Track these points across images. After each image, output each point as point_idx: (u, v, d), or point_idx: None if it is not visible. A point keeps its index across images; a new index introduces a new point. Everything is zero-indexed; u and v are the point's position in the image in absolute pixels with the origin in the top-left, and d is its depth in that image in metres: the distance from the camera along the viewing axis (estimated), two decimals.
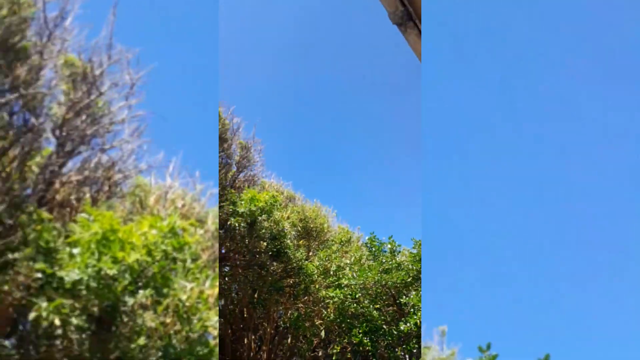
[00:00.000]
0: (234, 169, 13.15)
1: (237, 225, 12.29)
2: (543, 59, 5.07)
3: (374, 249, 12.10)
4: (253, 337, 12.84)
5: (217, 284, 4.45)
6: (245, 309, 13.02)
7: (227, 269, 13.36)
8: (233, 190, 12.83)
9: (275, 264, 12.75)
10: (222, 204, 12.62)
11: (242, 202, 12.37)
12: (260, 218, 12.54)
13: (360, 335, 10.70)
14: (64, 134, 4.62)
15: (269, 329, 12.84)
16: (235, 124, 12.69)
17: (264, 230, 12.56)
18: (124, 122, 5.00)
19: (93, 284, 3.74)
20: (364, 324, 10.85)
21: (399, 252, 11.78)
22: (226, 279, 13.34)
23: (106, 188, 4.84)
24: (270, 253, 12.55)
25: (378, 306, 11.08)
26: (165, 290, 3.98)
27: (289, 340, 12.98)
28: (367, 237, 12.50)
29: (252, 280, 12.74)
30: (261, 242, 12.61)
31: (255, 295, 12.90)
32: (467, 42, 5.10)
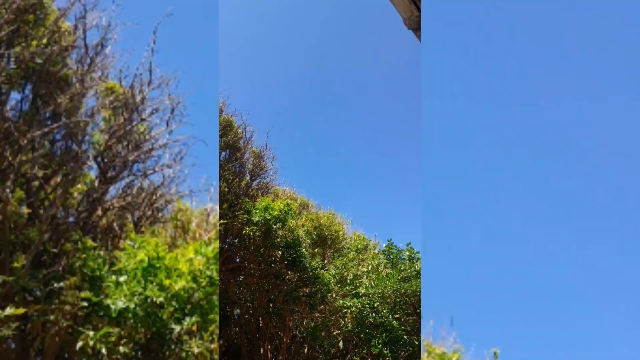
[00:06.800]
0: (248, 177, 13.04)
1: (251, 234, 12.18)
2: (544, 60, 5.06)
3: (391, 257, 11.95)
4: (269, 346, 12.71)
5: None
6: (261, 319, 12.90)
7: (241, 277, 13.26)
8: (247, 199, 12.70)
9: (290, 273, 12.63)
10: (236, 212, 12.49)
11: (257, 211, 12.23)
12: (275, 227, 12.41)
13: (380, 345, 10.53)
14: (105, 160, 4.52)
15: (285, 339, 12.71)
16: (248, 133, 12.59)
17: (278, 239, 12.43)
18: (165, 147, 4.91)
19: (139, 312, 3.64)
20: (384, 334, 10.68)
21: (418, 259, 11.64)
22: (241, 288, 13.23)
23: (149, 213, 4.74)
24: (285, 262, 12.43)
25: (398, 316, 10.93)
26: (211, 317, 3.88)
27: (306, 351, 12.86)
28: (384, 245, 12.35)
29: (267, 289, 12.62)
30: (276, 251, 12.50)
31: (271, 305, 12.77)
32: (468, 42, 5.09)
